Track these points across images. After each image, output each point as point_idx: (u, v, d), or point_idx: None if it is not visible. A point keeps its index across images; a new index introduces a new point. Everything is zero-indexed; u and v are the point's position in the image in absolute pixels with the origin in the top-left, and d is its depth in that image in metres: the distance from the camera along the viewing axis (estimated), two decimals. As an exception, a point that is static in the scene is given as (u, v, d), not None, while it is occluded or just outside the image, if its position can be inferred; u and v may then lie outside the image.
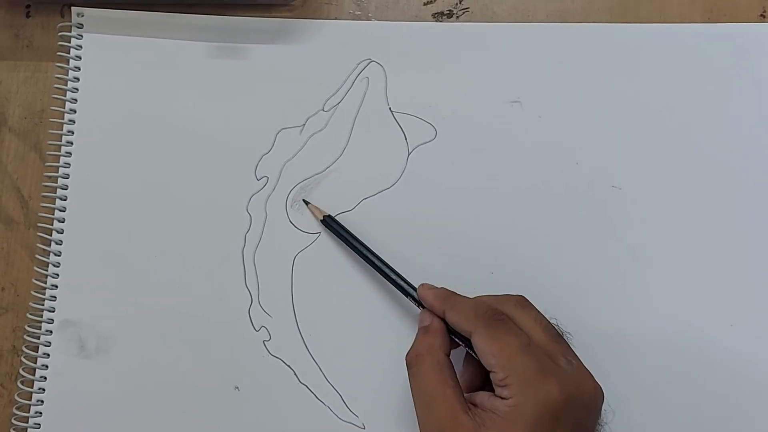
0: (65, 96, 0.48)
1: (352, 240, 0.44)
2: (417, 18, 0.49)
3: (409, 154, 0.47)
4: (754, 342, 0.44)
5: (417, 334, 0.41)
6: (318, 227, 0.46)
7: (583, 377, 0.37)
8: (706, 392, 0.43)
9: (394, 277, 0.43)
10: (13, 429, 0.45)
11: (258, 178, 0.47)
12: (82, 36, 0.49)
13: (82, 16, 0.49)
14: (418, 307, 0.42)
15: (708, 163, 0.46)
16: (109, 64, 0.48)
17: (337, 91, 0.48)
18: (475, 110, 0.47)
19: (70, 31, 0.48)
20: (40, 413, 0.45)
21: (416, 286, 0.42)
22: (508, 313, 0.39)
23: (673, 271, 0.45)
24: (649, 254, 0.45)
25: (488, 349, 0.37)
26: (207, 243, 0.46)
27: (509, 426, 0.35)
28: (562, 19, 0.48)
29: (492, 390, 0.37)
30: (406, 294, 0.43)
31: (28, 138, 0.48)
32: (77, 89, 0.48)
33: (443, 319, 0.40)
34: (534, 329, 0.38)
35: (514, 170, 0.46)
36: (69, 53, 0.48)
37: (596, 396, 0.37)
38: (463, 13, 0.49)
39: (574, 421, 0.36)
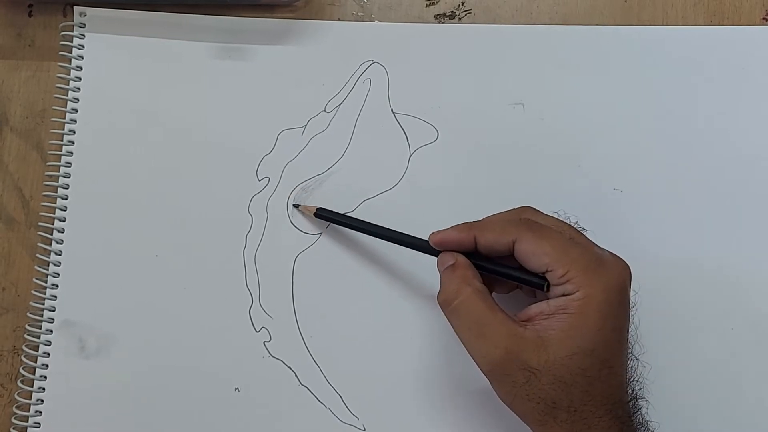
0: (67, 96, 0.48)
1: (350, 221, 0.44)
2: (419, 19, 0.49)
3: (410, 156, 0.47)
4: (754, 345, 0.44)
5: (443, 276, 0.39)
6: (319, 228, 0.46)
7: (618, 259, 0.38)
8: (707, 394, 0.43)
9: (401, 237, 0.42)
10: (13, 428, 0.45)
11: (259, 178, 0.47)
12: (84, 36, 0.48)
13: (85, 15, 0.49)
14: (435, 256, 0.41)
15: (710, 166, 0.46)
16: (111, 64, 0.48)
17: (339, 92, 0.48)
18: (477, 112, 0.47)
19: (72, 31, 0.48)
20: (40, 413, 0.45)
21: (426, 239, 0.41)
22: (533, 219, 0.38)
23: (674, 273, 0.45)
24: (651, 257, 0.45)
25: (539, 249, 0.36)
26: (208, 243, 0.46)
27: (581, 319, 0.35)
28: (565, 21, 0.48)
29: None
30: (420, 248, 0.41)
31: (30, 137, 0.48)
32: (79, 89, 0.48)
33: (465, 254, 0.39)
34: (563, 226, 0.38)
35: (516, 172, 0.46)
36: (71, 53, 0.48)
37: (629, 274, 0.38)
38: (466, 14, 0.49)
39: (627, 301, 0.37)
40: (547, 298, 0.37)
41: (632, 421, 0.37)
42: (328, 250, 0.46)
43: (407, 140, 0.47)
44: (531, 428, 0.37)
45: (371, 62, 0.48)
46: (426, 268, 0.45)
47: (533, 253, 0.37)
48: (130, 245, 0.46)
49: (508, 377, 0.36)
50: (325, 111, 0.47)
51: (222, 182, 0.47)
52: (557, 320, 0.36)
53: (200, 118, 0.48)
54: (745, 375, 0.44)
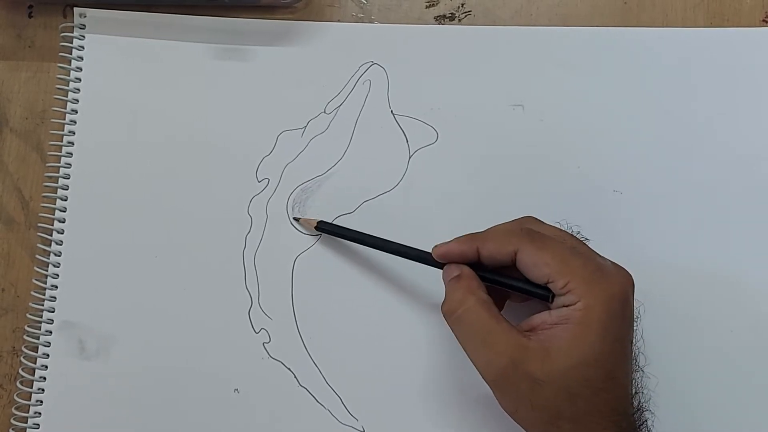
0: (67, 96, 0.48)
1: (352, 234, 0.44)
2: (419, 21, 0.49)
3: (410, 157, 0.47)
4: (754, 347, 0.44)
5: (448, 287, 0.39)
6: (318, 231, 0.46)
7: (620, 269, 0.38)
8: (707, 396, 0.43)
9: (405, 250, 0.42)
10: (12, 429, 0.45)
11: (259, 179, 0.47)
12: (84, 37, 0.49)
13: (85, 16, 0.49)
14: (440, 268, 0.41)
15: (710, 167, 0.46)
16: (111, 65, 0.48)
17: (338, 93, 0.48)
18: (477, 114, 0.47)
19: (72, 32, 0.48)
20: (40, 414, 0.45)
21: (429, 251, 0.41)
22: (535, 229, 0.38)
23: (673, 275, 0.45)
24: (650, 258, 0.45)
25: (540, 260, 0.36)
26: (207, 244, 0.46)
27: (583, 330, 0.35)
28: (565, 22, 0.48)
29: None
30: (424, 260, 0.41)
31: (30, 138, 0.48)
32: (79, 90, 0.48)
33: (469, 265, 0.39)
34: (565, 236, 0.38)
35: (516, 174, 0.46)
36: (71, 54, 0.48)
37: (632, 284, 0.38)
38: (466, 16, 0.49)
39: (630, 311, 0.37)
40: (549, 308, 0.37)
41: (635, 430, 0.37)
42: (327, 251, 0.46)
43: (407, 142, 0.47)
44: None
45: (371, 63, 0.48)
46: (425, 270, 0.45)
47: (534, 264, 0.37)
48: (130, 246, 0.46)
49: (512, 387, 0.36)
50: (324, 112, 0.47)
51: (221, 183, 0.47)
52: (560, 330, 0.35)
53: (200, 119, 0.48)
54: (746, 378, 0.44)
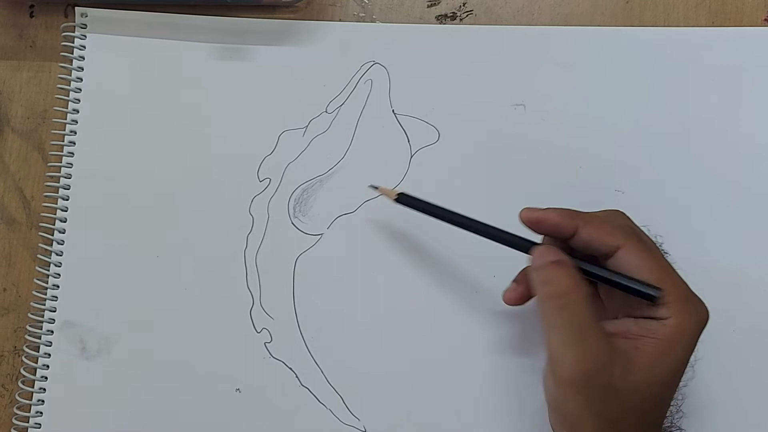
0: (68, 96, 0.48)
1: (433, 209, 0.41)
2: (421, 20, 0.49)
3: (411, 157, 0.47)
4: (756, 347, 0.44)
5: (549, 269, 0.37)
6: (320, 229, 0.46)
7: (701, 301, 0.36)
8: (708, 396, 0.43)
9: (488, 229, 0.39)
10: (14, 429, 0.45)
11: (260, 179, 0.47)
12: (85, 36, 0.49)
13: (86, 16, 0.49)
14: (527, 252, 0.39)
15: (712, 167, 0.46)
16: (113, 64, 0.48)
17: (340, 92, 0.48)
18: (479, 113, 0.47)
19: (74, 32, 0.48)
20: (41, 413, 0.45)
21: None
22: None
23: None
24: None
25: (645, 264, 0.35)
26: (209, 244, 0.46)
27: (671, 348, 0.34)
28: (567, 22, 0.48)
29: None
30: (508, 242, 0.39)
31: (31, 138, 0.48)
32: (80, 89, 0.48)
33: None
34: (658, 247, 0.37)
35: (517, 174, 0.46)
36: (72, 53, 0.48)
37: (708, 317, 0.37)
38: (467, 15, 0.49)
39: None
40: (634, 317, 0.36)
41: None
42: (328, 250, 0.46)
43: (408, 141, 0.47)
44: None
45: (372, 63, 0.48)
46: (426, 270, 0.45)
47: (638, 267, 0.35)
48: (131, 246, 0.46)
49: (587, 390, 0.34)
50: (326, 112, 0.47)
51: (223, 183, 0.47)
52: (646, 343, 0.35)
53: (201, 118, 0.48)
54: (748, 378, 0.44)
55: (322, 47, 0.48)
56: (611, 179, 0.46)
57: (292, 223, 0.46)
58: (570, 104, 0.47)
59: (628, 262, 0.36)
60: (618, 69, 0.47)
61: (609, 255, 0.36)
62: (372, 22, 0.49)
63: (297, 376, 0.45)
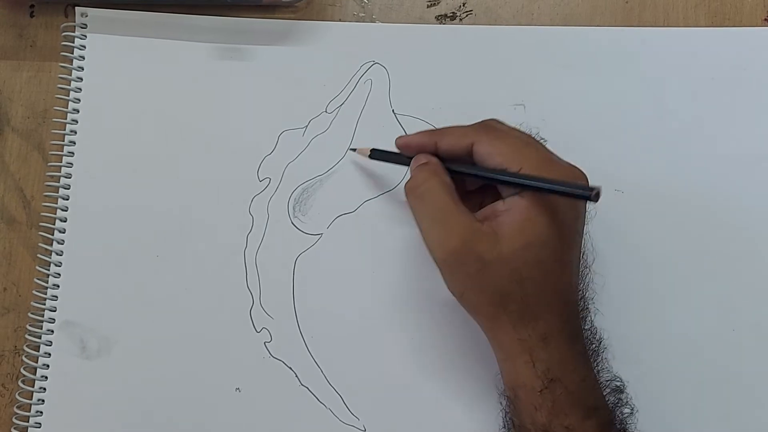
0: (68, 96, 0.48)
1: (404, 159, 0.43)
2: (420, 20, 0.49)
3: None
4: (756, 346, 0.44)
5: (414, 171, 0.40)
6: (320, 229, 0.46)
7: (573, 165, 0.38)
8: (707, 396, 0.43)
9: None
10: (14, 428, 0.45)
11: (260, 179, 0.47)
12: (85, 36, 0.49)
13: (86, 16, 0.49)
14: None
15: (711, 167, 0.46)
16: (113, 64, 0.48)
17: (340, 92, 0.48)
18: (479, 113, 0.46)
19: (74, 31, 0.49)
20: (41, 413, 0.45)
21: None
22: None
23: (675, 275, 0.45)
24: (651, 258, 0.45)
25: (495, 149, 0.38)
26: (209, 244, 0.46)
27: (533, 213, 0.36)
28: (566, 22, 0.48)
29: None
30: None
31: (31, 138, 0.48)
32: (80, 89, 0.48)
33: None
34: (521, 133, 0.40)
35: (517, 173, 0.46)
36: (72, 53, 0.48)
37: (584, 178, 0.38)
38: (467, 15, 0.49)
39: (582, 204, 0.38)
40: (502, 198, 0.38)
41: (578, 319, 0.38)
42: (328, 250, 0.46)
43: (408, 141, 0.47)
44: (481, 324, 0.38)
45: (372, 63, 0.48)
46: (426, 269, 0.45)
47: (488, 154, 0.38)
48: (131, 246, 0.46)
49: (462, 267, 0.37)
50: (326, 112, 0.48)
51: (223, 183, 0.47)
52: (510, 215, 0.36)
53: (201, 118, 0.48)
54: (748, 378, 0.44)
55: (322, 47, 0.48)
56: (610, 179, 0.46)
57: (292, 223, 0.46)
58: (570, 104, 0.47)
59: (481, 152, 0.38)
60: (618, 69, 0.47)
61: (470, 155, 0.39)
62: (372, 22, 0.49)
63: (297, 376, 0.45)
